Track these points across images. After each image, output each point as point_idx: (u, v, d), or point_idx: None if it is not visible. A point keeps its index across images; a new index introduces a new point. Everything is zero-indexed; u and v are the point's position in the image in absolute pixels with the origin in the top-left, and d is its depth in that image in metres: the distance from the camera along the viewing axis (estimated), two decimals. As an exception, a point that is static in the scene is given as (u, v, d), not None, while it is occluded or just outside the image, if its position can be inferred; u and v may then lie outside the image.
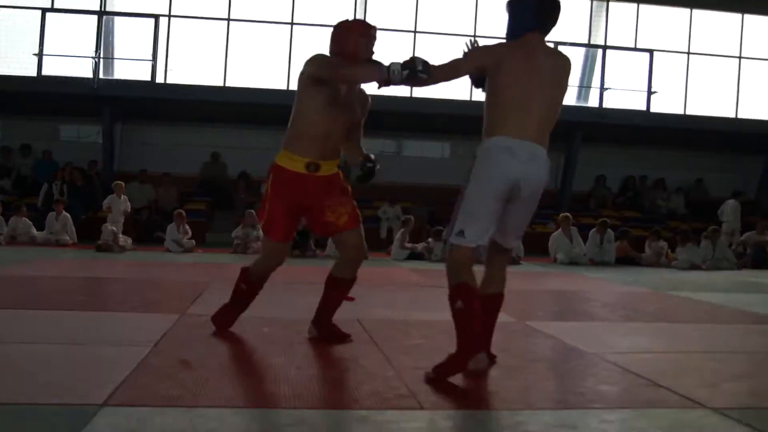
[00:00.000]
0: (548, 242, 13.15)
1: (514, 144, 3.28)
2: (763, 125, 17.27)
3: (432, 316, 5.31)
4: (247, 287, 4.34)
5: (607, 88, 16.74)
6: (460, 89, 15.34)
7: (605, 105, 16.68)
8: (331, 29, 4.03)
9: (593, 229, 13.21)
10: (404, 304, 6.13)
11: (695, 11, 17.21)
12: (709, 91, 17.55)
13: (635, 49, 17.13)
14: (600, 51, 16.92)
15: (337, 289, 4.19)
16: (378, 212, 15.60)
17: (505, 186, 3.28)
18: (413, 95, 15.57)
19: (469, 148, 17.03)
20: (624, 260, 13.05)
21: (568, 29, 16.43)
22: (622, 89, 16.83)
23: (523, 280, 9.14)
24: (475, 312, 3.26)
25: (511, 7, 3.47)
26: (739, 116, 17.61)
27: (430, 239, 12.89)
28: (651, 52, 17.15)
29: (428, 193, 16.48)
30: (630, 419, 2.89)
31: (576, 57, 16.71)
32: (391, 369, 3.53)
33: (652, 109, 17.02)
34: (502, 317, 5.40)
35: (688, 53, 17.48)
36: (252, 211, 12.41)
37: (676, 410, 2.98)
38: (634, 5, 16.90)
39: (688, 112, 17.25)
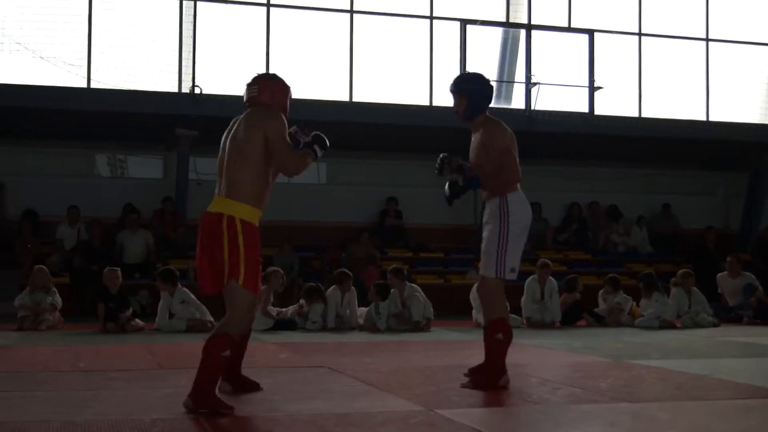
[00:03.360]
0: (469, 298, 12.84)
1: None
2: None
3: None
4: (233, 351, 5.37)
5: (535, 83, 16.92)
6: None
7: (534, 106, 16.83)
8: (267, 80, 5.87)
9: (530, 278, 13.29)
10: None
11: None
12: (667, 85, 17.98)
13: (569, 29, 17.57)
14: (523, 32, 17.22)
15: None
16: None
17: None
18: None
19: None
20: (571, 317, 13.28)
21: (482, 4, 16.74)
22: (555, 84, 17.07)
23: (433, 352, 9.20)
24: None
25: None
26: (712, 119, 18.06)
27: None
28: (591, 33, 17.58)
29: None
30: None
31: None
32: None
33: (597, 111, 17.27)
34: (402, 405, 5.36)
35: (639, 34, 17.94)
36: (43, 267, 11.97)
37: None
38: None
39: (642, 114, 17.66)
